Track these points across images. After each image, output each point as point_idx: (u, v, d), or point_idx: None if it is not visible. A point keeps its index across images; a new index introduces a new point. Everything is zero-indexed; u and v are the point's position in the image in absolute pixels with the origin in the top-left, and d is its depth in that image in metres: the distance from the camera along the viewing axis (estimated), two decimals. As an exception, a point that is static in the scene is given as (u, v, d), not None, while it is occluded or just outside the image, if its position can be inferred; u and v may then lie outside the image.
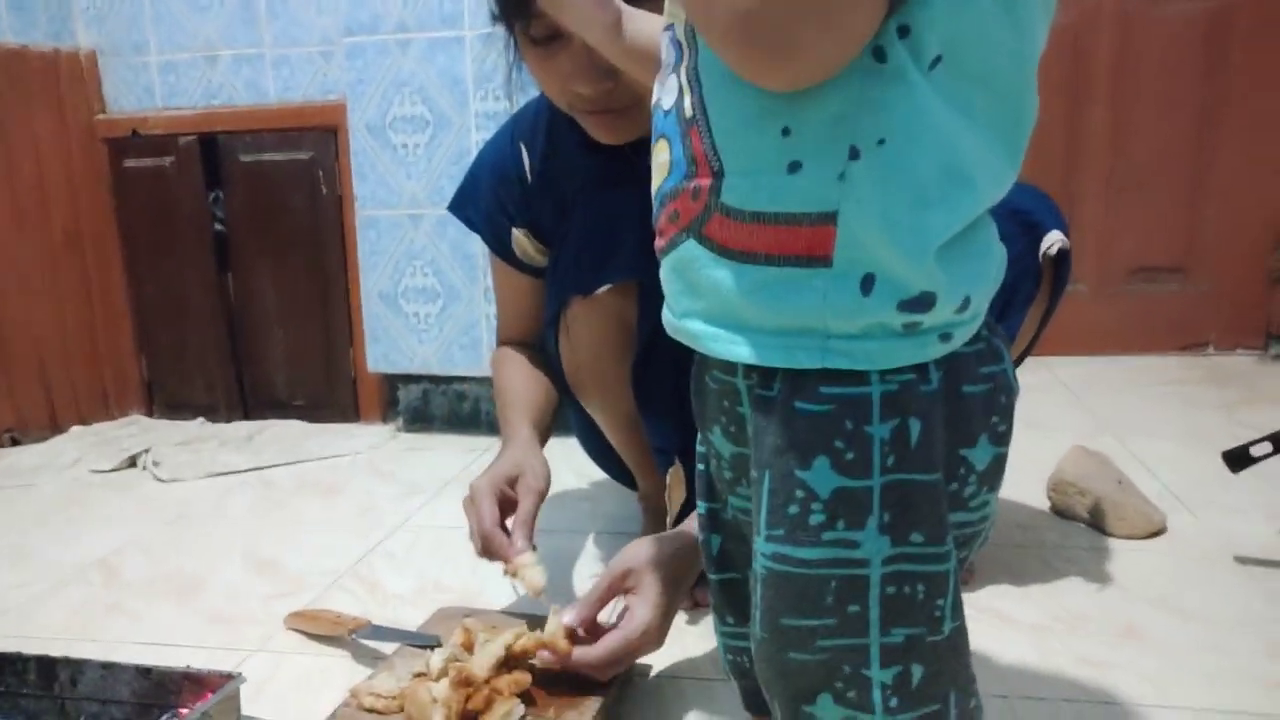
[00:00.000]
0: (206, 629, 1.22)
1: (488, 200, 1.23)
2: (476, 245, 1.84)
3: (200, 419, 2.18)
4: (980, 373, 0.56)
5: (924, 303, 0.51)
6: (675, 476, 1.14)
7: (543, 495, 1.07)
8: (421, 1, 1.81)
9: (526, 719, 0.90)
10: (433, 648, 1.00)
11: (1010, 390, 0.59)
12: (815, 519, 0.53)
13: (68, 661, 0.90)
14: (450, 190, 1.36)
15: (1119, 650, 1.04)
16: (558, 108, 1.08)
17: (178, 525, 1.59)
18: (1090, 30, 2.17)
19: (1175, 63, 2.14)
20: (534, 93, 1.16)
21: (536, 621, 0.97)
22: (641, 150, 0.66)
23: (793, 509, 0.54)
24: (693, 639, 1.11)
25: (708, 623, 0.90)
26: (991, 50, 0.50)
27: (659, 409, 1.18)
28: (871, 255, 0.50)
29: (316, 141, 2.01)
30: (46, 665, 0.91)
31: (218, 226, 2.11)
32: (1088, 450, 1.41)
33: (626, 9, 0.67)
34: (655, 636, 0.94)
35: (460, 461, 1.82)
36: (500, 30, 1.03)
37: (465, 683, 0.89)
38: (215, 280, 2.13)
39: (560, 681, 0.93)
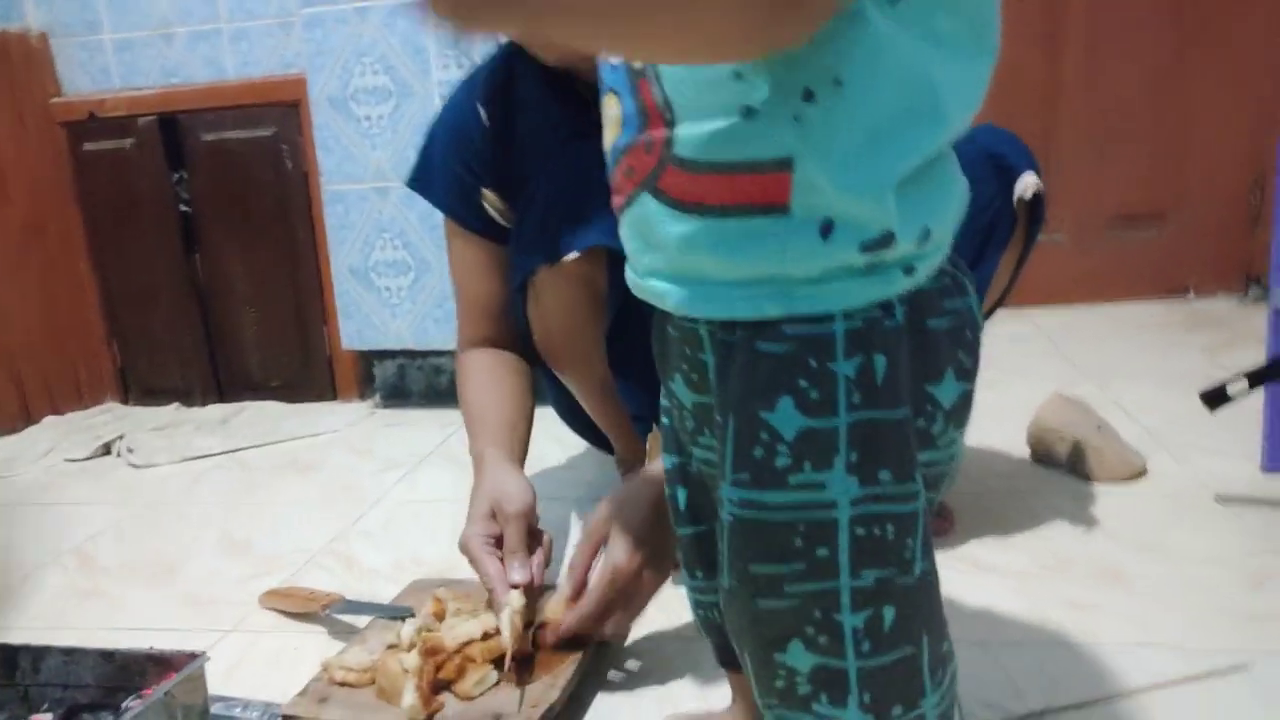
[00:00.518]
0: (181, 612, 1.20)
1: (449, 167, 1.19)
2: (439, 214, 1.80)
3: (175, 404, 2.15)
4: (944, 307, 0.54)
5: (885, 241, 0.49)
6: (654, 441, 1.13)
7: (526, 516, 1.00)
8: (378, -33, 1.76)
9: (500, 685, 0.88)
10: (404, 619, 0.98)
11: (975, 325, 0.57)
12: (781, 461, 0.52)
13: (28, 649, 0.88)
14: (416, 161, 1.32)
15: (1102, 592, 1.03)
16: (518, 61, 1.05)
17: (153, 510, 1.57)
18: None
19: (1147, 5, 2.11)
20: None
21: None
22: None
23: (758, 452, 0.52)
24: (671, 598, 1.09)
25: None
26: None
27: (634, 375, 1.16)
28: (829, 200, 0.48)
29: (279, 117, 1.97)
30: (9, 654, 0.89)
31: (183, 208, 2.07)
32: (1067, 397, 1.40)
33: None
34: (628, 573, 0.91)
35: (439, 435, 1.80)
36: None
37: (434, 651, 0.87)
38: (183, 262, 2.09)
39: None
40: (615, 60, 0.56)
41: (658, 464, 0.77)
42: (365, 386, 2.07)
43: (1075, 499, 1.26)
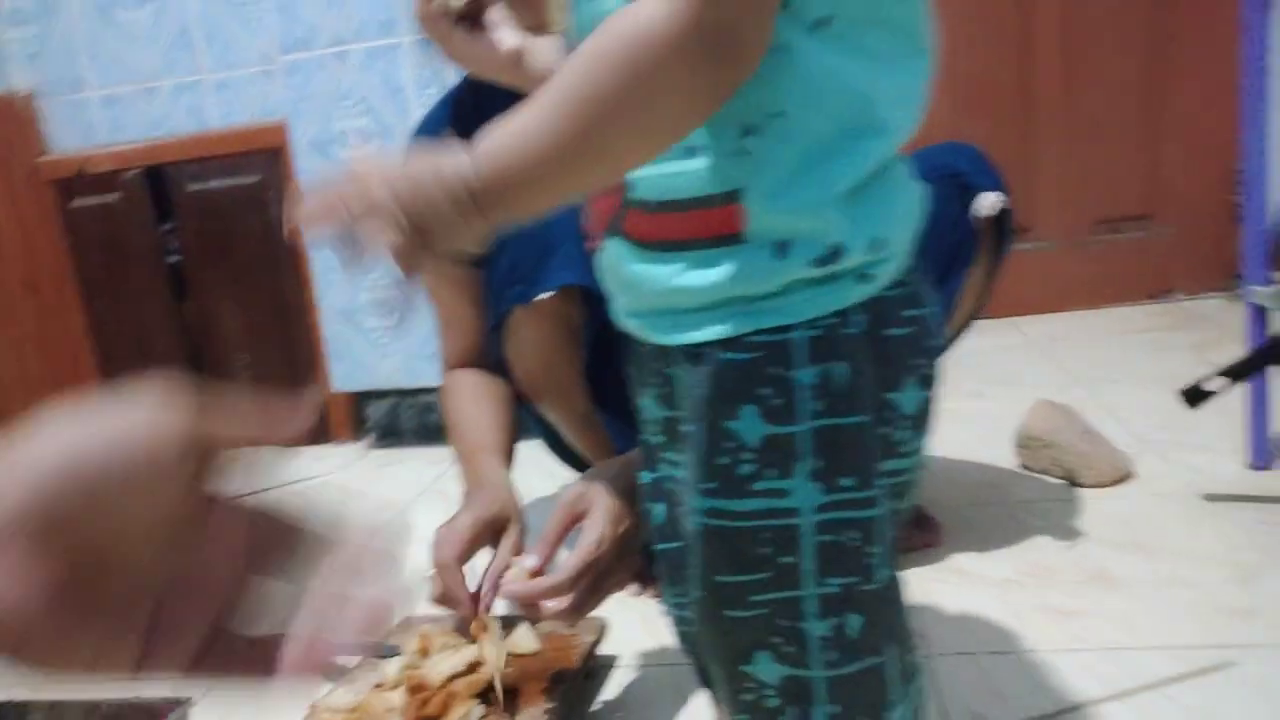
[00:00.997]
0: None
1: None
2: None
3: (172, 453, 2.16)
4: (903, 316, 0.55)
5: (834, 255, 0.51)
6: None
7: (519, 532, 0.98)
8: (354, 13, 1.79)
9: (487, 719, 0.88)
10: (391, 657, 0.98)
11: (934, 333, 0.58)
12: (745, 469, 0.53)
13: (12, 705, 0.89)
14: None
15: (1087, 597, 1.03)
16: (487, 85, 1.06)
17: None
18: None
19: (1121, 5, 2.13)
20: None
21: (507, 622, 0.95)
22: None
23: (723, 460, 0.53)
24: (654, 619, 1.09)
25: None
26: None
27: (617, 409, 1.16)
28: (780, 224, 0.50)
29: (262, 164, 1.99)
30: (-5, 709, 0.90)
31: (172, 258, 2.09)
32: (1053, 404, 1.40)
33: (528, 43, 0.67)
34: (611, 545, 0.90)
35: (432, 472, 1.80)
36: None
37: (419, 688, 0.87)
38: (174, 312, 2.11)
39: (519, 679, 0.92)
40: None
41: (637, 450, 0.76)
42: (358, 427, 2.08)
43: (1063, 506, 1.25)
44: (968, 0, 2.15)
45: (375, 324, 1.93)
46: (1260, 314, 1.25)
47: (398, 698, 0.88)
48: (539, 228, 1.10)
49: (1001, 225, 1.10)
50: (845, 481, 0.53)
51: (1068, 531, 1.18)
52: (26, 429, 0.30)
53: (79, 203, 2.09)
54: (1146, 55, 2.14)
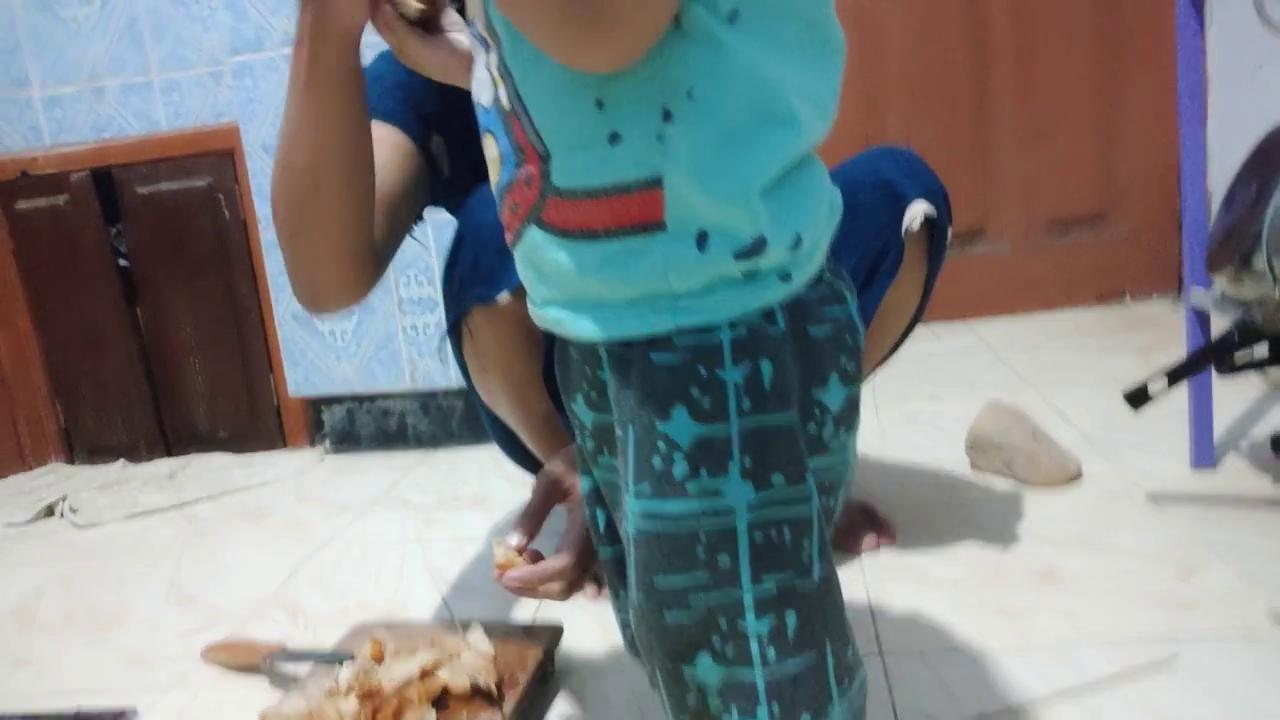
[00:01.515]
0: (122, 671, 1.18)
1: (400, 93, 1.03)
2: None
3: (122, 460, 2.12)
4: (825, 315, 0.56)
5: (757, 247, 0.51)
6: None
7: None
8: (307, 15, 1.77)
9: (440, 725, 0.88)
10: (344, 663, 0.97)
11: (856, 331, 0.59)
12: (679, 470, 0.53)
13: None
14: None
15: (1037, 595, 1.04)
16: None
17: (94, 568, 1.54)
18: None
19: (1073, 11, 2.16)
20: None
21: (453, 628, 0.95)
22: None
23: (657, 461, 0.53)
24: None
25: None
26: None
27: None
28: (700, 212, 0.51)
29: (214, 166, 1.96)
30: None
31: (122, 261, 2.05)
32: (1002, 406, 1.42)
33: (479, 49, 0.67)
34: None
35: (388, 478, 1.79)
36: None
37: (371, 694, 0.87)
38: (125, 316, 2.07)
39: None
40: (485, 102, 0.57)
41: None
42: (314, 433, 2.05)
43: (1012, 506, 1.27)
44: (922, 2, 2.18)
45: (331, 328, 1.90)
46: (1200, 317, 1.28)
47: (350, 704, 0.87)
48: (499, 226, 1.09)
49: (937, 235, 1.11)
50: (776, 479, 0.53)
51: (1017, 532, 1.20)
52: None
53: (24, 205, 2.05)
54: (1098, 57, 2.18)
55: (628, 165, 0.51)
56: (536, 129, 0.53)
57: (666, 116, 0.49)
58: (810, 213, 0.54)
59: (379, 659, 0.95)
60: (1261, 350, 1.11)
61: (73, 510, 1.80)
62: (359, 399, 1.98)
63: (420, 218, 1.18)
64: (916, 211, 1.06)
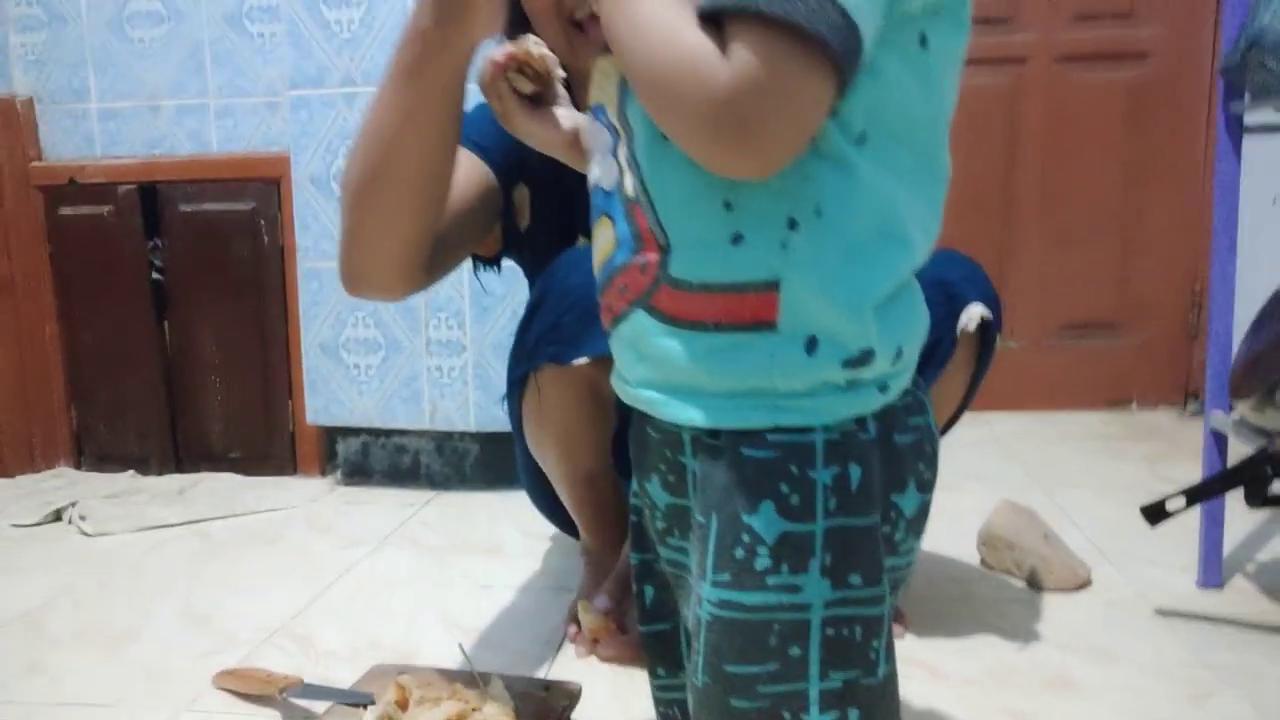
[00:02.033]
0: (132, 688, 1.18)
1: (498, 134, 0.94)
2: (418, 298, 1.84)
3: (130, 471, 2.13)
4: (909, 423, 0.60)
5: (865, 358, 0.54)
6: None
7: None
8: (368, 56, 1.83)
9: (463, 777, 0.89)
10: (366, 706, 0.98)
11: (934, 439, 0.62)
12: (761, 563, 0.55)
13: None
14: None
15: (1046, 701, 1.06)
16: None
17: (105, 580, 1.54)
18: (1022, 96, 2.27)
19: (1100, 126, 2.25)
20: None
21: (473, 679, 0.96)
22: None
23: (739, 553, 0.56)
24: (631, 694, 1.11)
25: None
26: (910, 117, 0.54)
27: None
28: (814, 318, 0.54)
29: (259, 193, 2.00)
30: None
31: (156, 275, 2.08)
32: (1016, 505, 1.45)
33: (580, 120, 0.70)
34: None
35: (399, 515, 1.80)
36: None
37: (399, 741, 0.88)
38: (152, 329, 2.09)
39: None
40: (606, 186, 0.61)
41: None
42: (326, 463, 2.07)
43: (1023, 607, 1.29)
44: (961, 108, 2.25)
45: (357, 361, 1.93)
46: (1218, 440, 1.31)
47: (373, 749, 0.88)
48: (585, 293, 1.12)
49: (986, 335, 1.15)
50: (854, 578, 0.56)
51: (1028, 633, 1.22)
52: None
53: (68, 211, 2.08)
54: (1123, 175, 2.26)
55: (748, 266, 0.54)
56: (660, 221, 0.56)
57: (792, 225, 0.52)
58: (911, 328, 0.58)
59: (404, 705, 0.96)
60: (1291, 485, 1.14)
61: (82, 518, 1.81)
62: (375, 432, 1.99)
63: (498, 266, 1.22)
64: (974, 314, 1.11)
